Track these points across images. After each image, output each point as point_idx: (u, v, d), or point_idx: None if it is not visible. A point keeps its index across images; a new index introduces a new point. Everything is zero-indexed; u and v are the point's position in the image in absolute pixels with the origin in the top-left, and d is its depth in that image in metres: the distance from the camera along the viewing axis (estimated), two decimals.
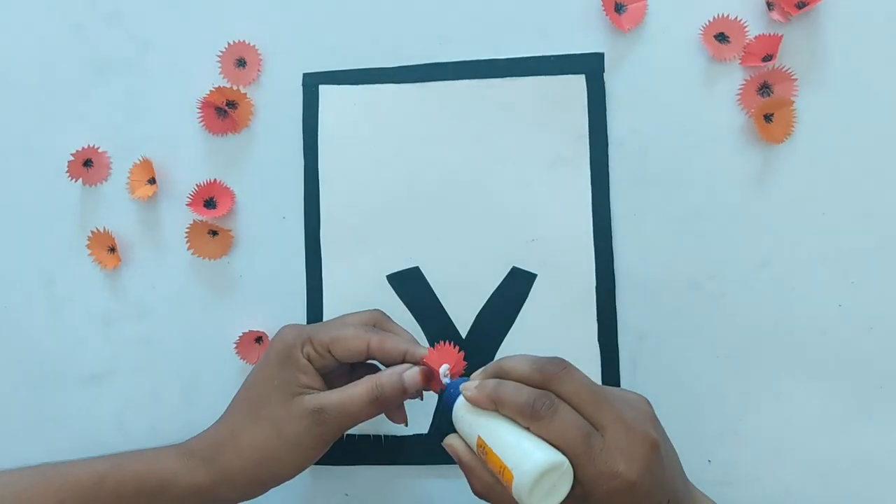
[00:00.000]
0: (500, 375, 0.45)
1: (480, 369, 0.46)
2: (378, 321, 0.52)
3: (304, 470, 0.50)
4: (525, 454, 0.41)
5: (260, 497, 0.57)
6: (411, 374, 0.48)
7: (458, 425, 0.46)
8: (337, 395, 0.48)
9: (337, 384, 0.50)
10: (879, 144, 0.54)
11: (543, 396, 0.42)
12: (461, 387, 0.45)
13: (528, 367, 0.44)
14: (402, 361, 0.49)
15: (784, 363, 0.54)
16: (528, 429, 0.42)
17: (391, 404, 0.49)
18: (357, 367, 0.53)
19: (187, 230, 0.58)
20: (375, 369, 0.52)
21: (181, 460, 0.50)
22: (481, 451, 0.43)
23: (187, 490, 0.49)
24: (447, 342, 0.49)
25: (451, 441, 0.46)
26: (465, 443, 0.45)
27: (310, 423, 0.48)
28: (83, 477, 0.49)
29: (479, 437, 0.43)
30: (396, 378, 0.48)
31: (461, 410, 0.45)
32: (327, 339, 0.49)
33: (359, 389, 0.48)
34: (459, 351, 0.48)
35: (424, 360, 0.48)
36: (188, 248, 0.58)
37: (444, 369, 0.48)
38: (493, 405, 0.43)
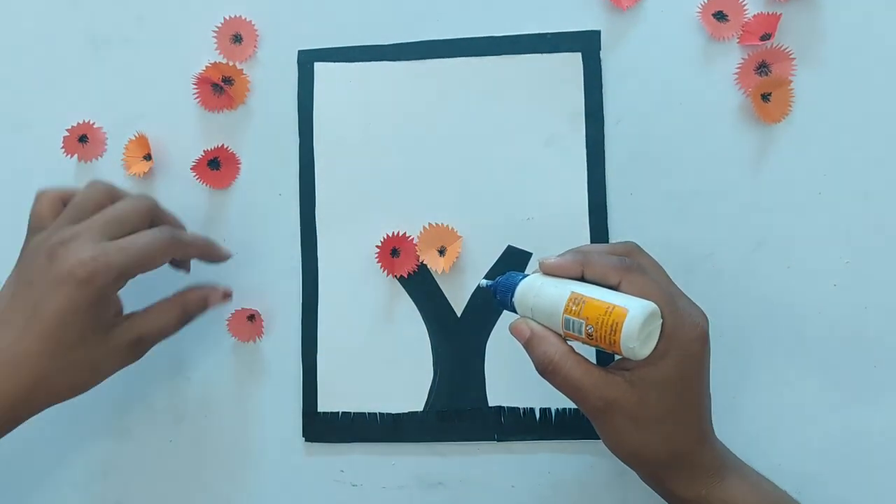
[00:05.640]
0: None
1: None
2: (153, 210, 0.52)
3: None
4: (631, 299, 0.43)
5: (257, 474, 0.57)
6: (215, 297, 0.55)
7: (525, 299, 0.46)
8: (150, 321, 0.51)
9: None
10: (876, 125, 0.54)
11: (630, 259, 0.45)
12: (540, 260, 0.47)
13: (605, 245, 0.50)
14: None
15: (779, 342, 0.54)
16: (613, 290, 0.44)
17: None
18: None
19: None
20: None
21: None
22: (574, 304, 0.43)
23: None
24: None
25: (519, 321, 0.46)
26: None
27: (128, 353, 0.51)
28: None
29: (572, 293, 0.44)
30: (201, 301, 0.54)
31: (532, 285, 0.46)
32: (138, 269, 0.49)
33: (171, 316, 0.52)
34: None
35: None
36: None
37: (483, 283, 0.50)
38: (580, 269, 0.45)
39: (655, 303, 0.43)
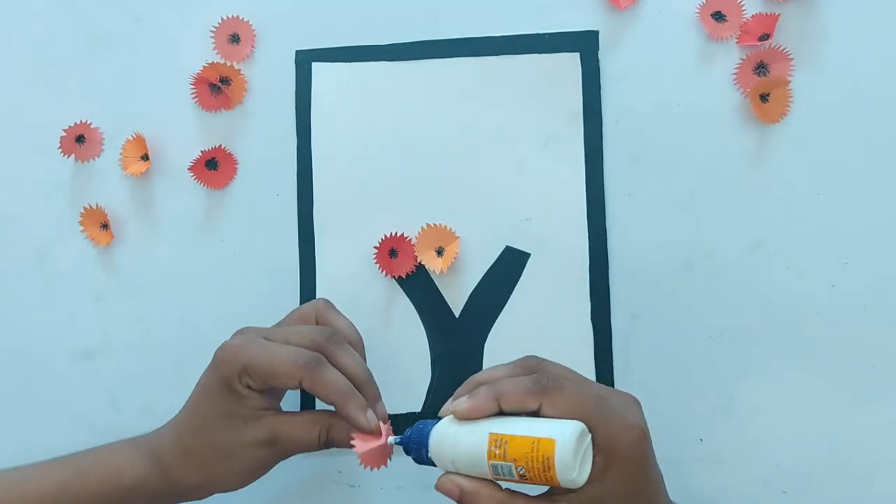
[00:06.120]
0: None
1: (449, 400, 0.44)
2: (320, 345, 0.48)
3: (248, 485, 0.50)
4: (554, 424, 0.40)
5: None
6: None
7: (443, 452, 0.43)
8: (290, 426, 0.48)
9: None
10: (874, 125, 0.54)
11: (543, 375, 0.42)
12: (449, 408, 0.43)
13: (508, 368, 0.44)
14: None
15: (777, 343, 0.54)
16: (534, 415, 0.41)
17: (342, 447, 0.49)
18: None
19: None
20: None
21: (142, 464, 0.49)
22: (497, 448, 0.41)
23: (147, 496, 0.49)
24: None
25: (444, 480, 0.43)
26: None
27: (261, 450, 0.48)
28: (46, 486, 0.49)
29: (490, 435, 0.41)
30: (346, 435, 0.47)
31: (446, 434, 0.43)
32: (262, 374, 0.47)
33: (313, 433, 0.48)
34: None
35: (354, 437, 0.47)
36: None
37: (392, 440, 0.46)
38: (496, 403, 0.42)
39: (582, 419, 0.40)
